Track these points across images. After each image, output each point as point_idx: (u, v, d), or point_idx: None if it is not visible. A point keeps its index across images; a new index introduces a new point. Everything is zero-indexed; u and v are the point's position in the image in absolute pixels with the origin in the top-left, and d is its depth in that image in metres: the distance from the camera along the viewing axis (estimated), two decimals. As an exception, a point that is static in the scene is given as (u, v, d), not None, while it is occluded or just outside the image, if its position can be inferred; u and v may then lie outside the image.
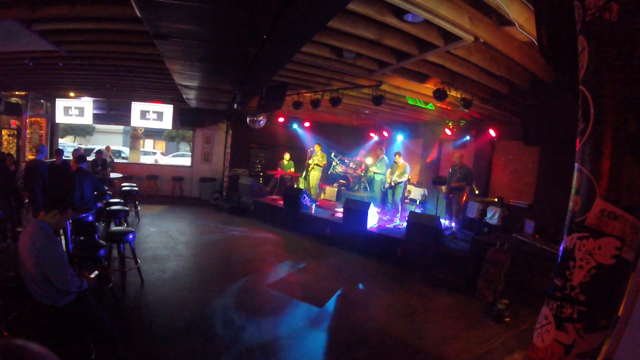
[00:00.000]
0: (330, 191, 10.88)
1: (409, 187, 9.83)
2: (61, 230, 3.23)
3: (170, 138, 26.29)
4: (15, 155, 8.84)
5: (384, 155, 9.36)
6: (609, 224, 1.22)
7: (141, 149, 17.15)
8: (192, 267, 5.76)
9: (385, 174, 8.86)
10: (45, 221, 2.63)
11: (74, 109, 10.80)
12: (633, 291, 1.49)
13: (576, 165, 1.34)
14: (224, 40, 3.56)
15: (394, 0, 3.13)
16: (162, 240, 6.86)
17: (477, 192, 8.27)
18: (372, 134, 12.83)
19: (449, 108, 7.66)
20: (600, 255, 1.23)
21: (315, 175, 10.38)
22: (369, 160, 11.16)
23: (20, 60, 6.11)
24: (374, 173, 9.51)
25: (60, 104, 10.72)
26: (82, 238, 4.40)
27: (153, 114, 10.99)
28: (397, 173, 8.42)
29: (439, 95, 5.81)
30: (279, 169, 10.86)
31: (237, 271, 5.68)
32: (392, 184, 8.45)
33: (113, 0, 3.80)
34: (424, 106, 7.76)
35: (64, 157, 6.82)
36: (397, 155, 8.63)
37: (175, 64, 4.68)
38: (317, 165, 10.27)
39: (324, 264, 6.41)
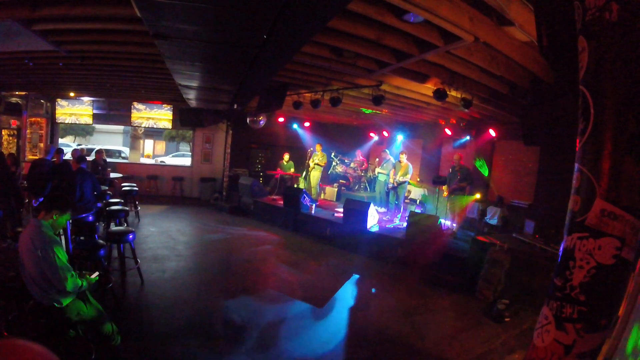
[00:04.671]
0: (330, 191, 10.87)
1: (409, 187, 9.85)
2: (61, 230, 3.23)
3: (170, 138, 26.28)
4: (16, 155, 8.84)
5: (390, 157, 9.33)
6: (609, 224, 1.22)
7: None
8: (192, 267, 5.76)
9: (389, 175, 8.86)
10: (45, 221, 2.63)
11: (74, 109, 10.81)
12: (633, 291, 1.49)
13: (576, 165, 1.34)
14: (224, 40, 3.55)
15: (394, 0, 3.13)
16: (162, 240, 6.86)
17: (478, 195, 8.25)
18: (372, 134, 12.82)
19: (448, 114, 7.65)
20: (600, 255, 1.23)
21: (315, 175, 10.37)
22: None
23: (20, 60, 6.11)
24: (379, 173, 9.49)
25: (60, 104, 10.73)
26: (82, 238, 4.40)
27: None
28: (400, 173, 8.43)
29: (439, 95, 5.81)
30: (279, 169, 10.86)
31: (237, 271, 5.68)
32: (395, 184, 8.45)
33: (113, 0, 3.80)
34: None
35: (64, 157, 6.83)
36: (402, 155, 8.64)
37: (175, 64, 4.67)
38: (317, 165, 10.27)
39: (324, 264, 6.41)
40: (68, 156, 8.36)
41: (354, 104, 8.50)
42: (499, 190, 8.69)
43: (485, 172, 8.94)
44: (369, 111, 9.25)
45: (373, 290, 5.48)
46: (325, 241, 7.63)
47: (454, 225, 7.66)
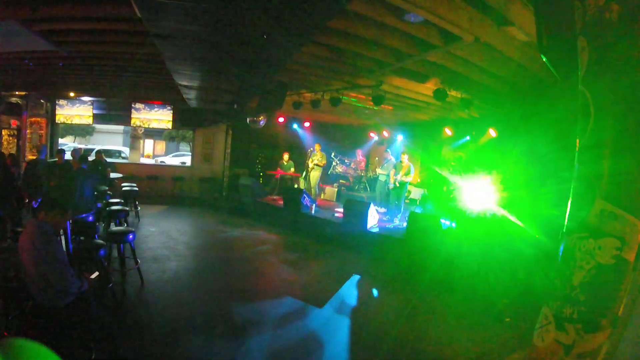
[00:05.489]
0: (330, 191, 10.87)
1: (409, 187, 9.83)
2: (61, 230, 3.23)
3: (170, 138, 26.26)
4: (16, 156, 8.84)
5: (391, 157, 9.32)
6: (609, 224, 1.22)
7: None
8: (192, 267, 5.76)
9: (389, 175, 8.87)
10: (45, 221, 2.63)
11: (74, 109, 10.80)
12: (633, 291, 1.49)
13: (576, 165, 1.34)
14: (224, 40, 3.56)
15: (394, 0, 3.14)
16: (162, 240, 6.86)
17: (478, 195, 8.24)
18: (372, 134, 12.82)
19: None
20: (600, 255, 1.23)
21: (315, 175, 10.37)
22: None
23: (20, 60, 6.11)
24: (379, 173, 9.48)
25: (60, 104, 10.72)
26: (82, 238, 4.40)
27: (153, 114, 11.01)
28: (401, 173, 8.43)
29: (439, 95, 5.81)
30: (279, 169, 10.86)
31: (237, 271, 5.67)
32: (397, 184, 8.44)
33: (113, 0, 3.80)
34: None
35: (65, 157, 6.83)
36: (403, 155, 8.64)
37: (175, 64, 4.69)
38: (317, 165, 10.27)
39: (323, 264, 6.41)
40: (67, 155, 8.37)
41: (354, 104, 8.51)
42: (498, 190, 8.67)
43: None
44: (361, 105, 9.18)
45: (373, 290, 5.47)
46: (325, 241, 7.63)
47: (454, 225, 7.65)
